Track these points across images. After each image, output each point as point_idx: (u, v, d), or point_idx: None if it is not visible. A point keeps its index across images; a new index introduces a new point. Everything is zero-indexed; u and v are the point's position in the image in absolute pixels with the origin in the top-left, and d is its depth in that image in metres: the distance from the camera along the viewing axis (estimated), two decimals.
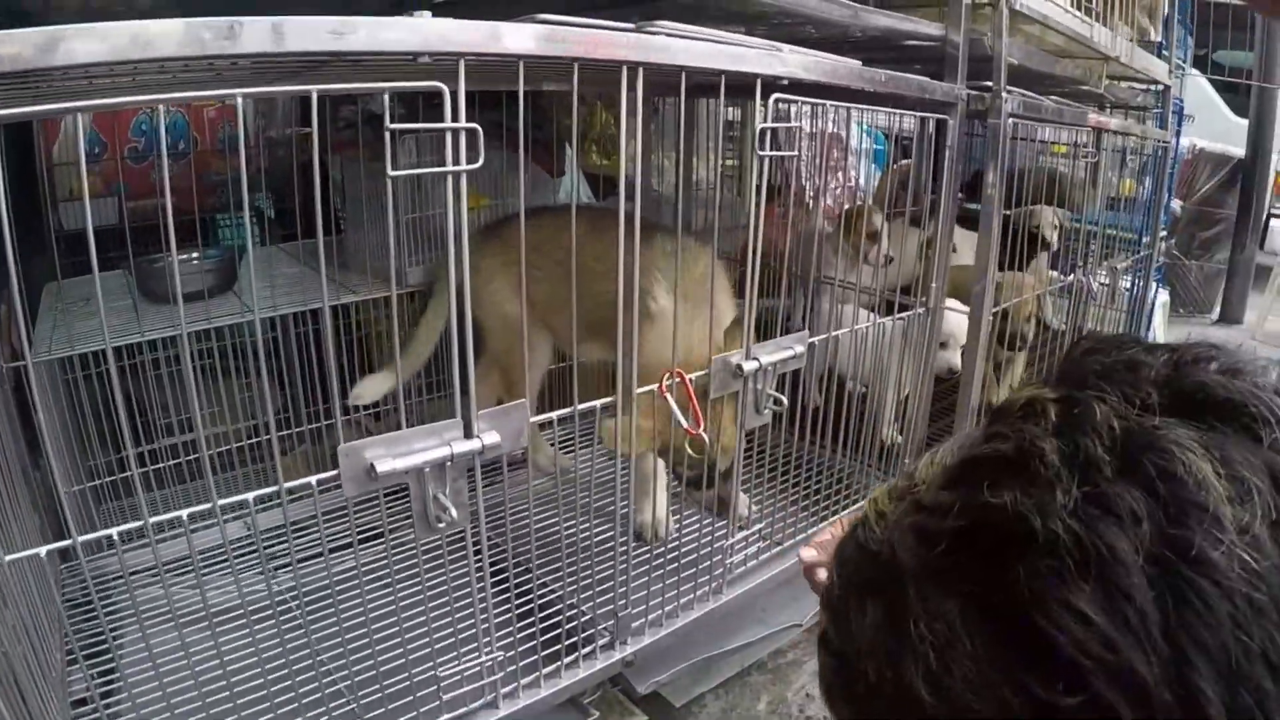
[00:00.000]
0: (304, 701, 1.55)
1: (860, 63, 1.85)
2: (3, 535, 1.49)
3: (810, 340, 1.96)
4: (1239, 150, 5.70)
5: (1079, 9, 2.50)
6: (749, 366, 1.80)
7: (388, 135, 1.19)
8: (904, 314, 2.40)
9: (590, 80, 1.41)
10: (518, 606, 1.79)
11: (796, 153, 2.21)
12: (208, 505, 1.27)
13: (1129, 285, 3.80)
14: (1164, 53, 3.65)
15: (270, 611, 1.49)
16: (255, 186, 2.90)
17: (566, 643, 1.80)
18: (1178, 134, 4.10)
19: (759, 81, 1.62)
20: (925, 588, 0.50)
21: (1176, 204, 5.26)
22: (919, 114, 2.23)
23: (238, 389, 2.49)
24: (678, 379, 1.74)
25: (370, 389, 2.31)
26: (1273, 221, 6.07)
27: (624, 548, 1.84)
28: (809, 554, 1.10)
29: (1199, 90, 5.87)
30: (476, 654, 1.61)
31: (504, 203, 2.74)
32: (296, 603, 1.53)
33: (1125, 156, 3.64)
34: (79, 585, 2.02)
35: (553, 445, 2.61)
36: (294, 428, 2.57)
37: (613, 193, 3.36)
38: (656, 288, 2.06)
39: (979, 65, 2.19)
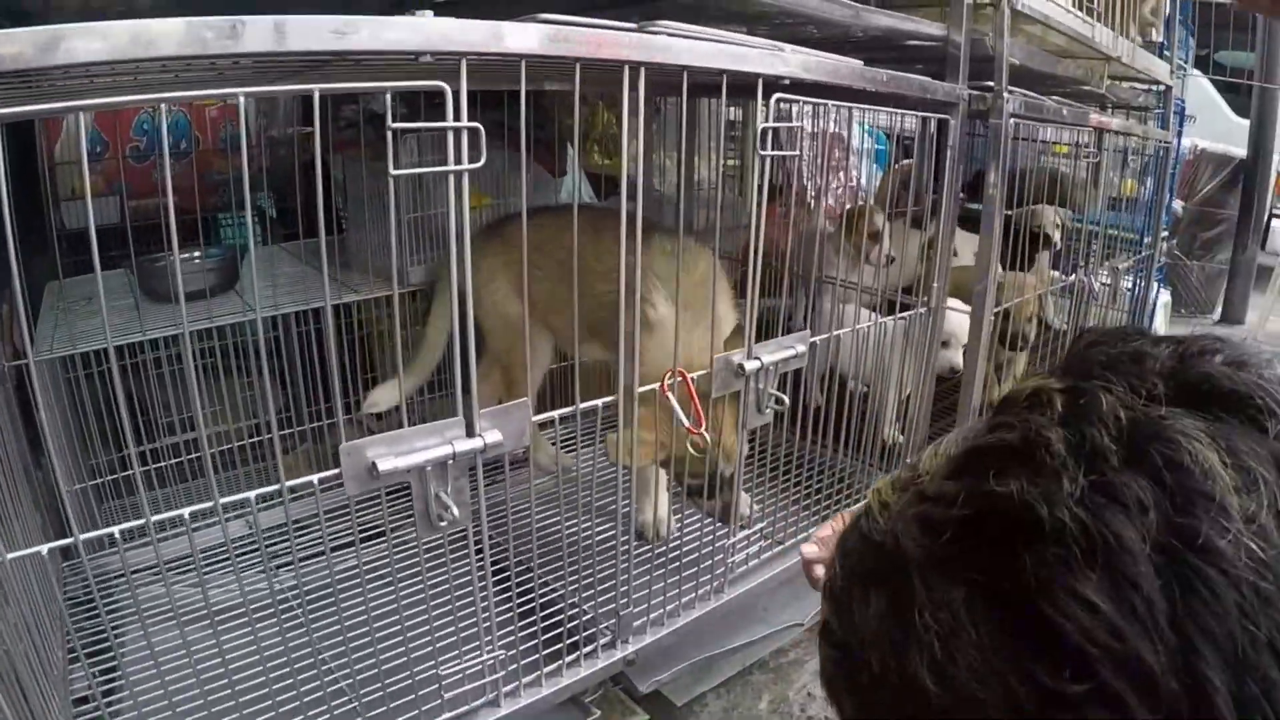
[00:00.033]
0: (305, 700, 1.55)
1: (862, 63, 1.85)
2: (4, 533, 1.49)
3: (812, 340, 1.96)
4: (1240, 151, 5.70)
5: (1080, 9, 2.50)
6: (751, 366, 1.80)
7: (390, 134, 1.19)
8: (905, 313, 2.40)
9: (592, 80, 1.41)
10: (519, 605, 1.79)
11: (798, 152, 2.22)
12: (209, 504, 1.27)
13: (1130, 285, 3.80)
14: (1165, 53, 3.65)
15: (272, 610, 1.50)
16: (257, 186, 2.89)
17: (568, 641, 1.80)
18: (1179, 134, 4.09)
19: (760, 81, 1.61)
20: (930, 577, 0.50)
21: (1178, 204, 5.25)
22: (920, 114, 2.23)
23: (239, 388, 2.49)
24: (679, 378, 1.73)
25: (384, 397, 2.33)
26: (1274, 222, 6.07)
27: (625, 547, 1.83)
28: (810, 550, 1.10)
29: (1200, 91, 5.86)
30: (478, 652, 1.61)
31: (506, 202, 2.75)
32: (298, 601, 1.53)
33: (1127, 157, 3.65)
34: (81, 583, 2.02)
35: (554, 444, 2.61)
36: (295, 426, 2.57)
37: (614, 192, 3.36)
38: (655, 294, 2.04)
39: (980, 65, 2.19)
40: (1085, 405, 0.49)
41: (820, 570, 1.10)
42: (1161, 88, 3.83)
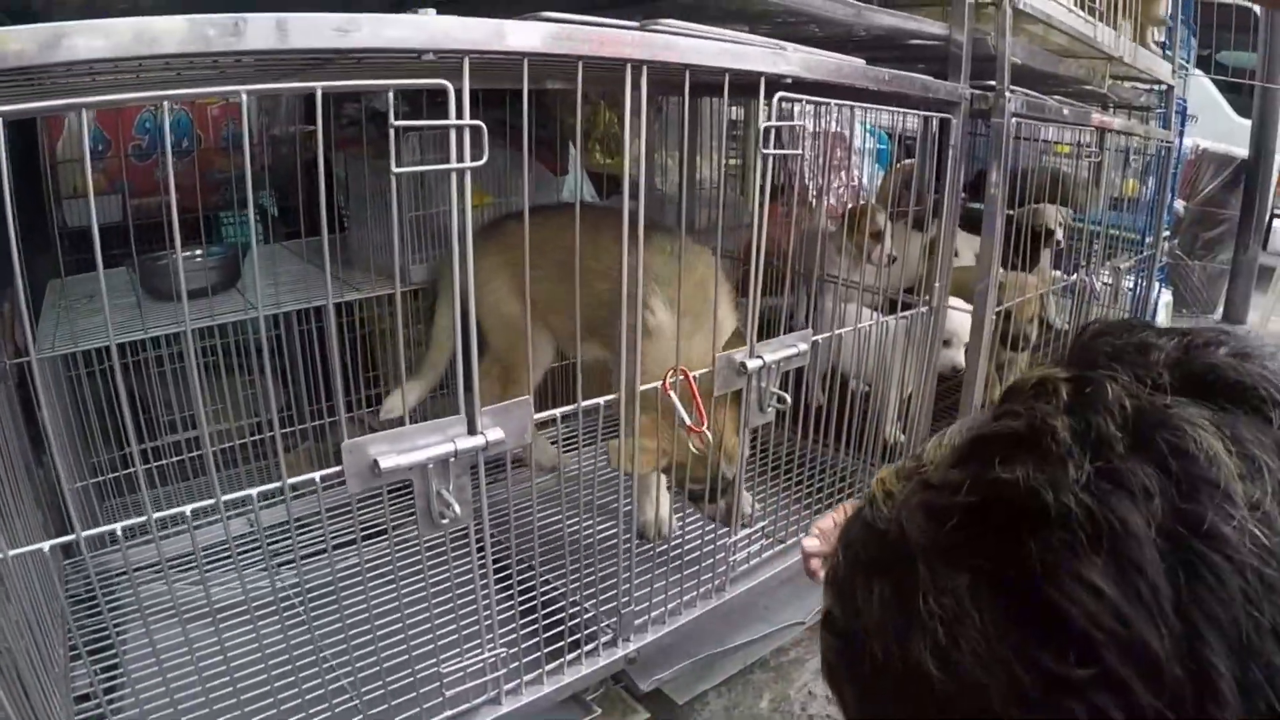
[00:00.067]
0: (307, 697, 1.55)
1: (864, 62, 1.85)
2: (6, 531, 1.49)
3: (813, 338, 1.96)
4: (1242, 151, 5.70)
5: (1082, 9, 2.50)
6: (753, 364, 1.80)
7: (392, 132, 1.19)
8: (907, 312, 2.40)
9: (594, 79, 1.41)
10: (520, 603, 1.79)
11: (800, 151, 2.22)
12: (211, 501, 1.27)
13: (1132, 285, 3.80)
14: (1167, 53, 3.65)
15: (274, 607, 1.50)
16: (259, 184, 2.90)
17: (569, 639, 1.80)
18: (1181, 134, 4.09)
19: (763, 80, 1.61)
20: (935, 564, 0.50)
21: (1179, 204, 5.25)
22: (922, 113, 2.23)
23: (241, 386, 2.49)
24: (681, 376, 1.73)
25: (399, 402, 2.33)
26: (1276, 222, 6.07)
27: (627, 545, 1.84)
28: (810, 543, 1.10)
29: (1202, 90, 5.85)
30: (479, 650, 1.61)
31: (507, 201, 2.75)
32: (300, 599, 1.53)
33: (1128, 156, 3.64)
34: (82, 581, 2.02)
35: (554, 443, 2.61)
36: (297, 425, 2.58)
37: (616, 192, 3.36)
38: (653, 299, 2.02)
39: (982, 65, 2.19)
40: (1091, 394, 0.49)
41: (817, 564, 1.11)
42: (1163, 87, 3.83)
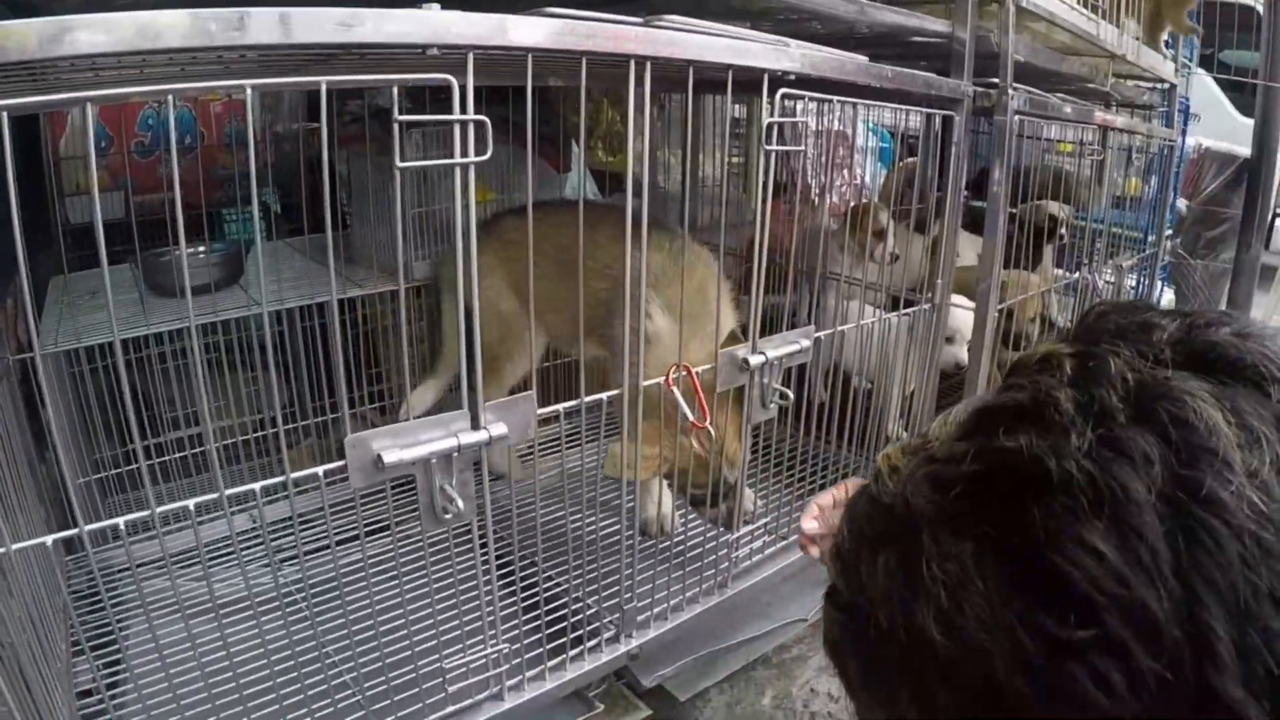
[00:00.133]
0: (310, 693, 1.55)
1: (867, 59, 1.85)
2: (9, 526, 1.49)
3: (816, 335, 1.96)
4: (1245, 150, 5.68)
5: (1085, 6, 2.50)
6: (755, 360, 1.80)
7: (396, 127, 1.19)
8: (910, 310, 2.40)
9: (597, 75, 1.41)
10: (523, 599, 1.79)
11: (803, 148, 2.22)
12: (214, 495, 1.27)
13: (1134, 284, 3.80)
14: (1170, 51, 3.65)
15: (277, 603, 1.50)
16: (262, 181, 2.89)
17: (571, 635, 1.80)
18: (1183, 133, 4.09)
19: (766, 76, 1.61)
20: (939, 532, 0.50)
21: (1182, 203, 5.25)
22: (925, 110, 2.23)
23: (244, 382, 2.49)
24: (684, 372, 1.73)
25: (420, 399, 2.40)
26: (1278, 221, 6.06)
27: (629, 541, 1.84)
28: (810, 525, 1.11)
29: (1205, 89, 5.85)
30: (482, 646, 1.61)
31: (510, 197, 2.75)
32: (302, 594, 1.53)
33: (1131, 155, 3.64)
34: (85, 576, 2.02)
35: (522, 457, 2.58)
36: (300, 421, 2.58)
37: (618, 189, 3.36)
38: (651, 305, 1.98)
39: (985, 62, 2.19)
40: (1094, 368, 0.50)
41: (815, 550, 1.12)
42: (1166, 86, 3.83)
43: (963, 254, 2.69)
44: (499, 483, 2.08)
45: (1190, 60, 4.35)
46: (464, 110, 1.23)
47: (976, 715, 0.49)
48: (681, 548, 2.11)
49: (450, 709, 1.61)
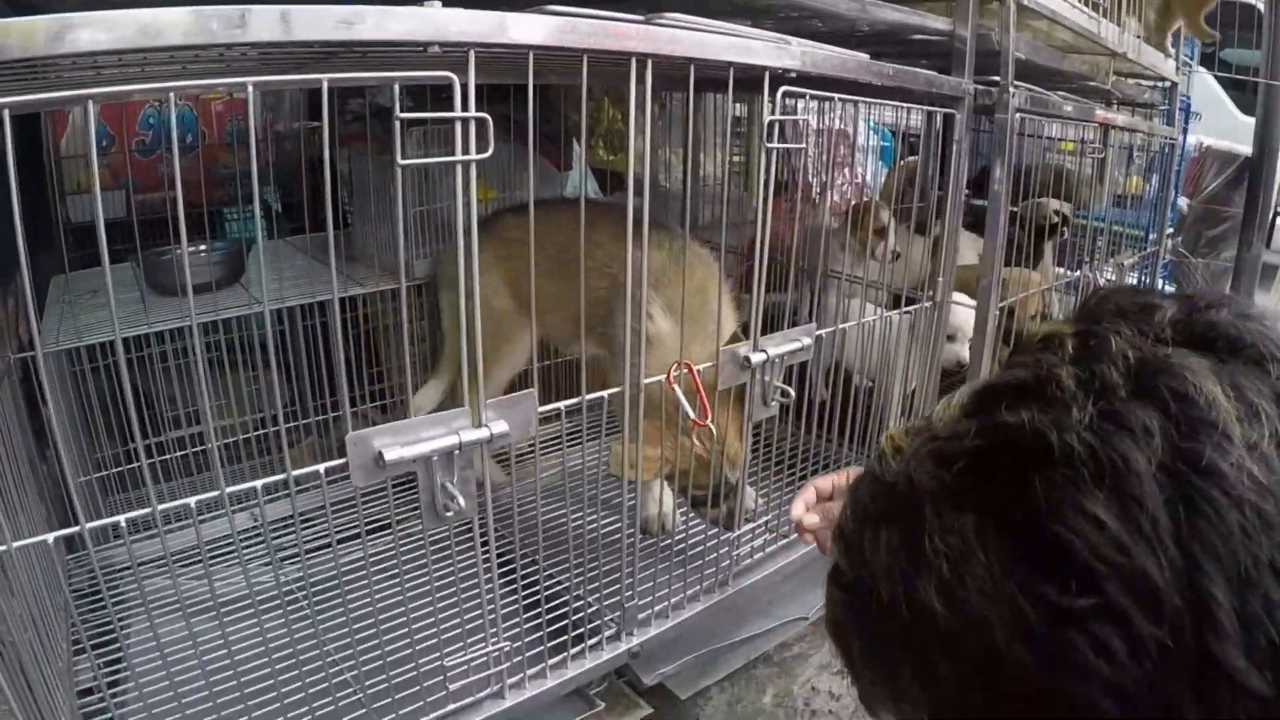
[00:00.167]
0: (310, 691, 1.55)
1: (868, 57, 1.85)
2: (10, 525, 1.49)
3: (817, 333, 1.96)
4: (1246, 148, 5.68)
5: (1086, 4, 2.50)
6: (757, 358, 1.80)
7: (397, 125, 1.19)
8: (911, 308, 2.40)
9: (599, 74, 1.41)
10: (524, 597, 1.79)
11: (804, 146, 2.21)
12: (215, 493, 1.27)
13: (1135, 282, 3.79)
14: (1171, 49, 3.65)
15: (278, 602, 1.50)
16: (263, 180, 2.89)
17: (573, 634, 1.81)
18: (1184, 131, 4.09)
19: (767, 74, 1.61)
20: (941, 507, 0.51)
21: (1183, 201, 5.25)
22: (926, 108, 2.22)
23: (245, 381, 2.49)
24: (685, 370, 1.73)
25: (426, 399, 2.40)
26: (1279, 220, 6.05)
27: (630, 539, 1.84)
28: (811, 520, 1.11)
29: (1206, 88, 5.85)
30: (483, 644, 1.61)
31: (511, 196, 2.75)
32: (304, 593, 1.53)
33: (1132, 153, 3.64)
34: (86, 575, 2.02)
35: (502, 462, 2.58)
36: (301, 420, 2.58)
37: (619, 188, 3.36)
38: (652, 305, 1.98)
39: (986, 60, 2.19)
40: (1096, 346, 0.51)
41: (810, 537, 1.12)
42: (1167, 84, 3.82)
43: (963, 252, 2.69)
44: (506, 479, 2.08)
45: (1191, 59, 4.35)
46: (465, 108, 1.23)
47: (978, 686, 0.50)
48: (682, 546, 2.11)
49: (451, 707, 1.61)
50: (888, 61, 1.91)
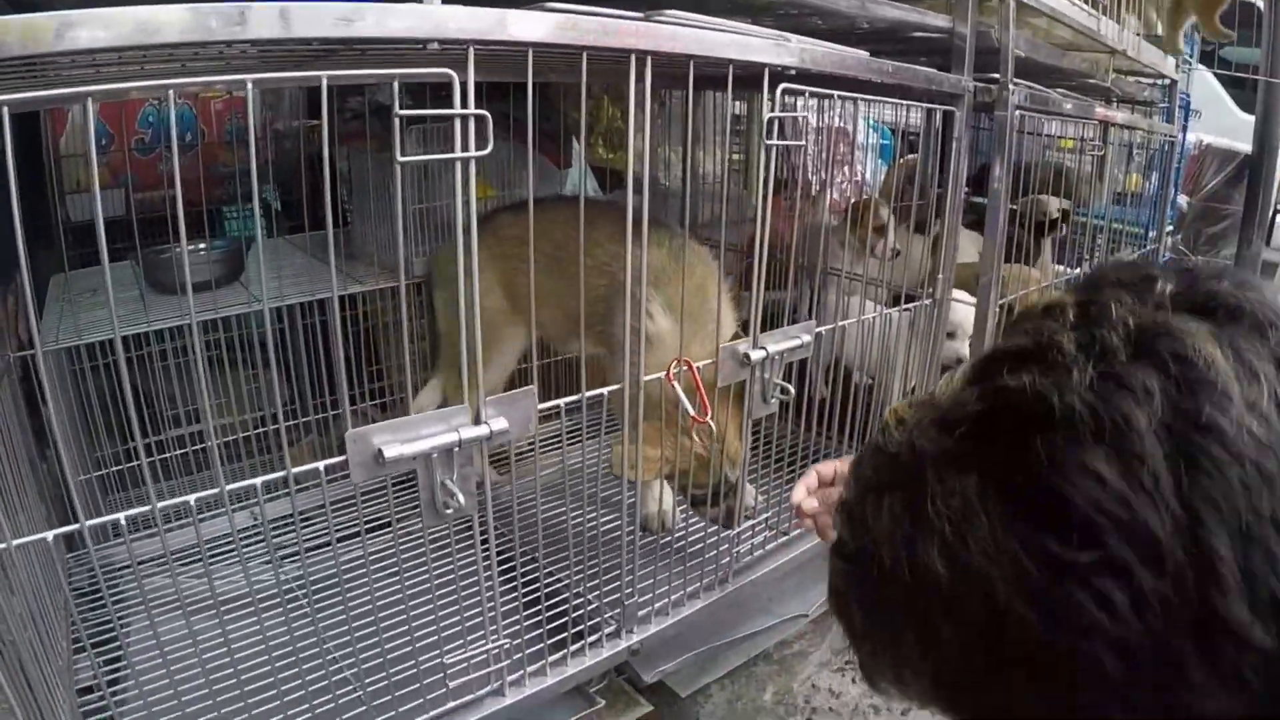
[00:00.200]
0: (310, 689, 1.55)
1: (867, 54, 1.85)
2: (10, 523, 1.49)
3: (817, 330, 1.96)
4: (1246, 146, 5.68)
5: (1086, 2, 2.50)
6: (756, 355, 1.80)
7: (396, 122, 1.19)
8: (911, 305, 2.39)
9: (598, 71, 1.41)
10: (524, 595, 1.79)
11: (804, 144, 2.21)
12: (215, 491, 1.27)
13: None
14: (1184, 48, 3.64)
15: (278, 600, 1.50)
16: (262, 178, 2.89)
17: (572, 631, 1.80)
18: (1184, 129, 4.09)
19: (766, 71, 1.61)
20: (944, 471, 0.51)
21: (1183, 199, 5.25)
22: (925, 105, 2.22)
23: (245, 379, 2.49)
24: (685, 367, 1.73)
25: (428, 399, 2.41)
26: (1279, 217, 6.05)
27: (630, 537, 1.84)
28: (810, 504, 1.11)
29: (1206, 85, 5.84)
30: (483, 642, 1.61)
31: (511, 194, 2.75)
32: (304, 591, 1.53)
33: (1132, 151, 3.64)
34: (86, 574, 2.02)
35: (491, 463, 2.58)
36: (301, 418, 2.58)
37: (618, 186, 3.35)
38: (651, 304, 1.97)
39: (986, 58, 2.18)
40: (1096, 313, 0.51)
41: (810, 522, 1.12)
42: (1167, 82, 3.82)
43: (963, 250, 2.69)
44: (500, 478, 2.08)
45: (1191, 56, 4.35)
46: (465, 105, 1.23)
47: (980, 648, 0.50)
48: (682, 543, 2.11)
49: (451, 704, 1.61)
50: (887, 59, 1.91)
